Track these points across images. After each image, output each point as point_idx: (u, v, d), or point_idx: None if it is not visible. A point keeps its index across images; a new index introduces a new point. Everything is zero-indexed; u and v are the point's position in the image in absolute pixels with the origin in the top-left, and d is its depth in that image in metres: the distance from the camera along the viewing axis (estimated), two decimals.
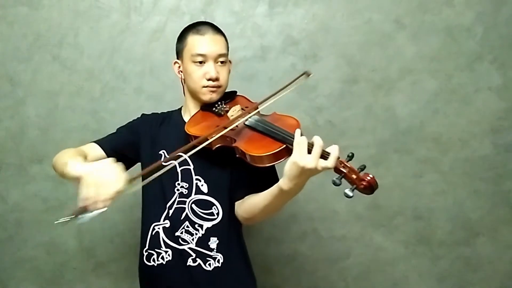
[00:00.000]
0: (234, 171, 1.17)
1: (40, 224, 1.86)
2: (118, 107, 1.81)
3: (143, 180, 0.99)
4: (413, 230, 1.87)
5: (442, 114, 1.82)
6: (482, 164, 1.83)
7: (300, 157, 0.92)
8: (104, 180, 0.89)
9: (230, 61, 1.27)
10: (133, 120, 1.32)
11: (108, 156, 1.17)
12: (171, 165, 1.03)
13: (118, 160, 0.95)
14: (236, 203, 1.18)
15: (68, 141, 1.82)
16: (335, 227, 1.87)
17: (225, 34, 1.25)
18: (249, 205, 1.14)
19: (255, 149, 1.02)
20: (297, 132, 0.96)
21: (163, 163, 1.00)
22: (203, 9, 1.77)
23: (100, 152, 1.20)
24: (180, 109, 1.34)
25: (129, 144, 1.25)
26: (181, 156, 1.04)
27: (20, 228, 1.86)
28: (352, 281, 1.90)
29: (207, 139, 1.06)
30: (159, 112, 1.36)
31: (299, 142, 0.93)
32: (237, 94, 1.32)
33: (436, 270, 1.89)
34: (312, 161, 0.91)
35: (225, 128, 1.08)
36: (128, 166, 1.19)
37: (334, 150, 0.92)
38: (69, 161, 0.98)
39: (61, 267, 1.89)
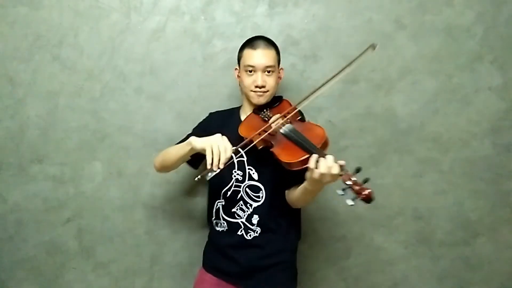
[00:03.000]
0: (279, 165, 1.32)
1: (40, 224, 1.86)
2: (118, 107, 1.81)
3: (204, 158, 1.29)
4: (413, 230, 1.87)
5: (442, 114, 1.82)
6: (482, 164, 1.83)
7: (315, 172, 1.17)
8: (219, 150, 1.22)
9: (281, 68, 1.53)
10: (204, 119, 1.61)
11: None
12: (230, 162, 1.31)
13: (197, 154, 1.35)
14: (286, 191, 1.45)
15: (68, 141, 1.82)
16: (335, 227, 1.87)
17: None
18: (291, 195, 1.41)
19: (285, 156, 1.25)
20: (313, 156, 1.17)
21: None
22: (203, 9, 1.77)
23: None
24: (240, 107, 1.59)
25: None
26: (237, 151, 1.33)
27: (20, 228, 1.86)
28: (352, 281, 1.90)
29: (252, 141, 1.33)
30: (225, 109, 1.64)
31: (314, 160, 1.17)
32: (283, 99, 1.52)
33: (436, 270, 1.89)
34: (324, 177, 1.17)
35: (260, 135, 1.33)
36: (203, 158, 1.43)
37: (335, 169, 1.14)
38: (191, 138, 1.32)
39: (61, 267, 1.89)
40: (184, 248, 1.88)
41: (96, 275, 1.89)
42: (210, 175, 1.24)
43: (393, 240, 1.88)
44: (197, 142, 1.29)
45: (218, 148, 1.22)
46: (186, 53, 1.79)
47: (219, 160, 1.22)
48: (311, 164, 1.17)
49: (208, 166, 1.23)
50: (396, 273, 1.90)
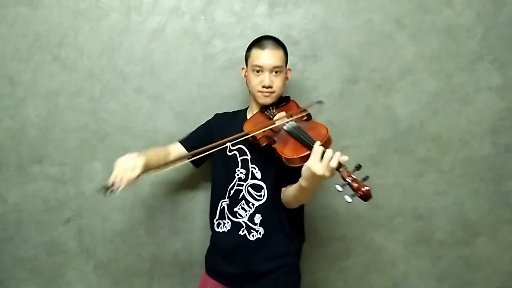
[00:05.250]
0: (280, 163, 1.31)
1: (40, 224, 1.86)
2: (118, 107, 1.81)
3: (207, 157, 1.40)
4: (413, 230, 1.87)
5: (442, 114, 1.82)
6: (482, 164, 1.83)
7: (313, 164, 1.14)
8: (125, 168, 1.24)
9: (289, 69, 1.53)
10: (209, 120, 1.62)
11: (189, 151, 1.49)
12: (223, 147, 1.33)
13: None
14: (282, 189, 1.42)
15: (68, 141, 1.82)
16: (335, 227, 1.87)
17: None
18: (286, 193, 1.38)
19: (287, 151, 1.25)
20: (317, 143, 1.17)
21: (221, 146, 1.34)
22: (203, 9, 1.77)
23: (182, 149, 1.53)
24: (247, 108, 1.59)
25: (204, 140, 1.47)
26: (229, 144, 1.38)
27: (20, 228, 1.86)
28: (352, 281, 1.91)
29: (248, 134, 1.35)
30: (231, 111, 1.64)
31: (315, 152, 1.15)
32: (290, 99, 1.53)
33: (436, 270, 1.89)
34: (321, 169, 1.13)
35: (263, 128, 1.34)
36: (207, 157, 1.45)
37: (333, 162, 1.12)
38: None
39: (61, 267, 1.89)
40: (184, 248, 1.88)
41: (96, 275, 1.89)
42: (108, 192, 1.23)
43: (393, 240, 1.88)
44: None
45: (122, 168, 1.23)
46: (186, 53, 1.79)
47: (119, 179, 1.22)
48: (313, 155, 1.14)
49: (109, 183, 1.23)
50: (396, 273, 1.90)
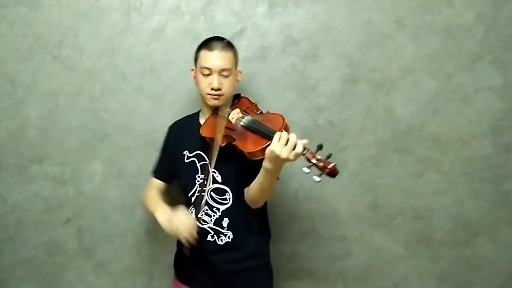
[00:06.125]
0: (242, 163, 1.32)
1: (40, 224, 1.86)
2: (118, 107, 1.81)
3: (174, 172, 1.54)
4: (413, 230, 1.87)
5: (442, 114, 1.82)
6: (482, 164, 1.83)
7: (277, 147, 1.15)
8: (180, 225, 1.31)
9: (239, 71, 1.50)
10: (164, 139, 1.60)
11: (167, 181, 1.56)
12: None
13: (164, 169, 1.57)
14: (245, 189, 1.38)
15: (68, 141, 1.82)
16: (335, 227, 1.87)
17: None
18: (250, 188, 1.35)
19: (248, 146, 1.25)
20: (277, 132, 1.19)
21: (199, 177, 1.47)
22: (203, 9, 1.77)
23: (161, 183, 1.57)
24: (199, 111, 1.56)
25: (170, 162, 1.54)
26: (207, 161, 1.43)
27: (20, 228, 1.86)
28: (352, 281, 1.91)
29: (209, 138, 1.35)
30: (183, 117, 1.63)
31: (279, 136, 1.16)
32: (241, 96, 1.52)
33: (436, 270, 1.89)
34: (286, 153, 1.14)
35: (221, 132, 1.32)
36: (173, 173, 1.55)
37: (299, 147, 1.14)
38: (157, 214, 1.40)
39: (61, 267, 1.89)
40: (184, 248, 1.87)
41: (96, 275, 1.89)
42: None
43: (393, 240, 1.88)
44: (160, 221, 1.36)
45: (179, 230, 1.30)
46: (186, 53, 1.78)
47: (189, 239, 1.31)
48: (275, 139, 1.16)
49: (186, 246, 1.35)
50: (396, 273, 1.90)
